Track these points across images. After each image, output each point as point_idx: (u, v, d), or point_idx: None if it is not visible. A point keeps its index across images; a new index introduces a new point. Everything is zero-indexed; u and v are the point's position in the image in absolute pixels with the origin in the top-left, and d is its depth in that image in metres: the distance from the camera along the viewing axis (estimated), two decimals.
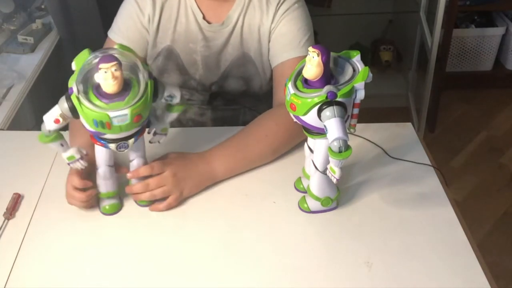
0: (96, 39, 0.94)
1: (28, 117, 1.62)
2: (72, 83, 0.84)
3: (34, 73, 1.60)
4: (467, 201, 2.16)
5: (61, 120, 0.88)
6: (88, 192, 0.98)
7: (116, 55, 0.85)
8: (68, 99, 0.85)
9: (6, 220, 0.99)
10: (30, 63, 1.64)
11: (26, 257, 0.92)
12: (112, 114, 0.84)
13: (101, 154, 0.96)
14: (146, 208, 1.02)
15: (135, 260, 0.92)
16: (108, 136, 0.89)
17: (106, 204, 1.01)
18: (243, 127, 1.12)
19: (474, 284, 0.86)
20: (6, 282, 0.88)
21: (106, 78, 0.82)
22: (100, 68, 0.82)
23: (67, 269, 0.90)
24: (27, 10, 1.88)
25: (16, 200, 1.03)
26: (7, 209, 1.01)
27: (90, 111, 0.84)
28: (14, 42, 1.72)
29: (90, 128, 0.87)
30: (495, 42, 2.72)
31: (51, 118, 0.88)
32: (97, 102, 0.84)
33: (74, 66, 0.87)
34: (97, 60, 0.84)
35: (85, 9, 1.81)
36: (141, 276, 0.89)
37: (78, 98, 0.84)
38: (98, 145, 0.93)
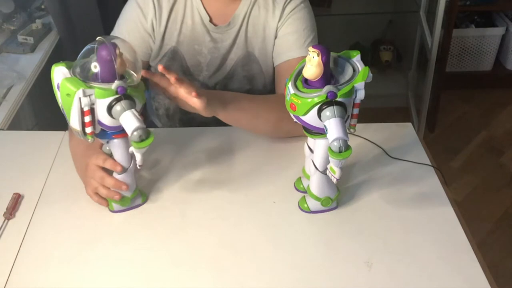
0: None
1: (28, 117, 1.62)
2: (117, 83, 0.85)
3: (34, 73, 1.60)
4: (467, 201, 2.16)
5: None
6: (121, 183, 0.97)
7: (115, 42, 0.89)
8: (120, 100, 0.86)
9: (6, 220, 0.99)
10: (30, 63, 1.64)
11: (26, 257, 0.92)
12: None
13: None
14: (146, 209, 1.02)
15: (135, 260, 0.92)
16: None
17: (137, 201, 1.02)
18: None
19: (474, 284, 0.86)
20: (6, 282, 0.88)
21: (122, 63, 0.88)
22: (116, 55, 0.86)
23: (67, 269, 0.90)
24: (27, 10, 1.88)
25: (16, 200, 1.03)
26: (7, 209, 1.01)
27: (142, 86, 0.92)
28: (14, 42, 1.72)
29: (142, 102, 0.91)
30: (495, 42, 2.72)
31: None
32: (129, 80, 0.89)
33: (59, 80, 0.85)
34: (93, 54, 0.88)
35: (85, 9, 1.81)
36: (141, 276, 0.89)
37: (131, 88, 0.87)
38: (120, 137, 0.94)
